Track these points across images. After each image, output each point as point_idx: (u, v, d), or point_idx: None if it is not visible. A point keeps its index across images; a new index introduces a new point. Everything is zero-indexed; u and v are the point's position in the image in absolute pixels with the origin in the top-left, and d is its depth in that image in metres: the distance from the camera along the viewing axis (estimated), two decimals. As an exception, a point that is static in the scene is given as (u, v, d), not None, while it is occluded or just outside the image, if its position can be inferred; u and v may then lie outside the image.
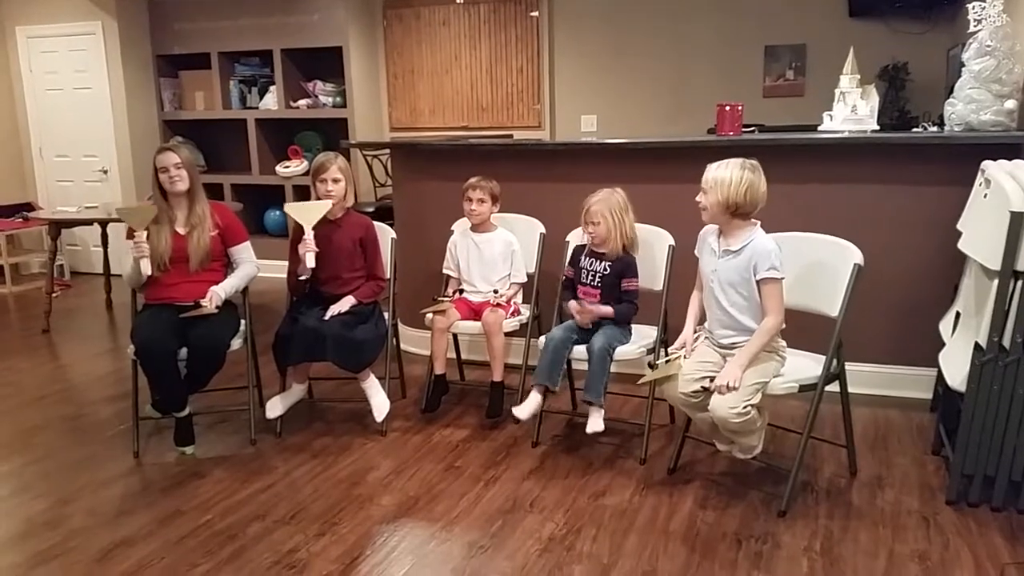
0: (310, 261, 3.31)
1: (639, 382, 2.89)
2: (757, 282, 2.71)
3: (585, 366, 3.14)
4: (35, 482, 3.11)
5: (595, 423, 3.12)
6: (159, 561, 2.51)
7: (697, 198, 2.75)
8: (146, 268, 3.20)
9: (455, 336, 3.88)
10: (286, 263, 3.51)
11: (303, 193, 6.48)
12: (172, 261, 3.27)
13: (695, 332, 2.93)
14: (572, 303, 3.23)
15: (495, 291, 3.59)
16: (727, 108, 3.91)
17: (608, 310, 3.17)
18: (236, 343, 3.32)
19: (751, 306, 2.74)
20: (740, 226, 2.75)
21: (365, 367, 3.39)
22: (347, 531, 2.68)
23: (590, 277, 3.24)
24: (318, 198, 3.43)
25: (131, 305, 3.48)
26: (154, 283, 3.26)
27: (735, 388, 2.60)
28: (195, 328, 3.18)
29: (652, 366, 2.85)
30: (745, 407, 2.58)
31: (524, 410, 3.18)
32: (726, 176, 2.70)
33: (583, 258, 3.28)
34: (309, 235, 3.31)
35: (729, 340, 2.78)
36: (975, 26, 3.39)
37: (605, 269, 3.21)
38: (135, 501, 2.93)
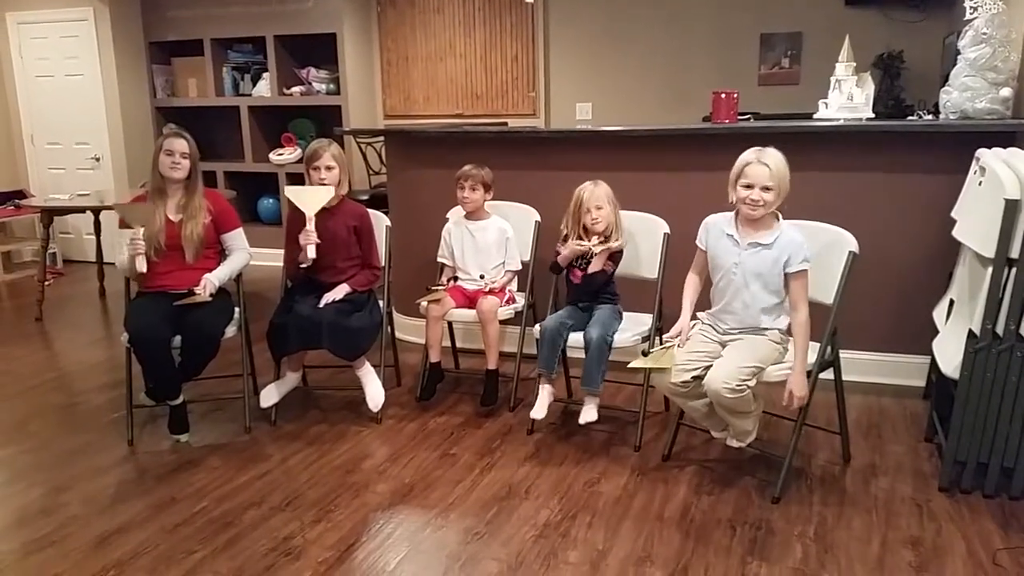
0: (311, 252, 3.29)
1: (629, 365, 2.88)
2: (788, 274, 2.69)
3: (580, 354, 3.14)
4: (29, 470, 3.11)
5: (589, 413, 3.13)
6: (154, 548, 2.52)
7: (754, 196, 2.64)
8: (141, 265, 3.19)
9: (450, 324, 3.88)
10: (279, 251, 3.51)
11: (297, 181, 6.40)
12: (167, 247, 3.25)
13: (691, 321, 2.92)
14: (575, 243, 3.19)
15: (481, 276, 3.58)
16: (722, 96, 3.90)
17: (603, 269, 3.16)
18: (230, 331, 3.30)
19: (774, 303, 2.75)
20: (770, 218, 2.73)
21: (360, 355, 3.39)
22: (343, 518, 2.68)
23: (578, 260, 3.23)
24: (312, 186, 3.41)
25: (124, 293, 3.47)
26: (148, 270, 3.24)
27: (804, 396, 2.64)
28: (189, 316, 3.17)
29: (646, 353, 2.85)
30: (739, 384, 2.58)
31: (540, 410, 3.19)
32: (785, 170, 2.67)
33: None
34: (311, 225, 3.29)
35: (738, 331, 2.79)
36: (971, 14, 3.39)
37: (590, 257, 3.20)
38: (130, 489, 2.93)
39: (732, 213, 2.82)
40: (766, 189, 2.64)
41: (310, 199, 3.32)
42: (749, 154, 2.69)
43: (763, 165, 2.64)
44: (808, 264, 2.70)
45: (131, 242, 3.18)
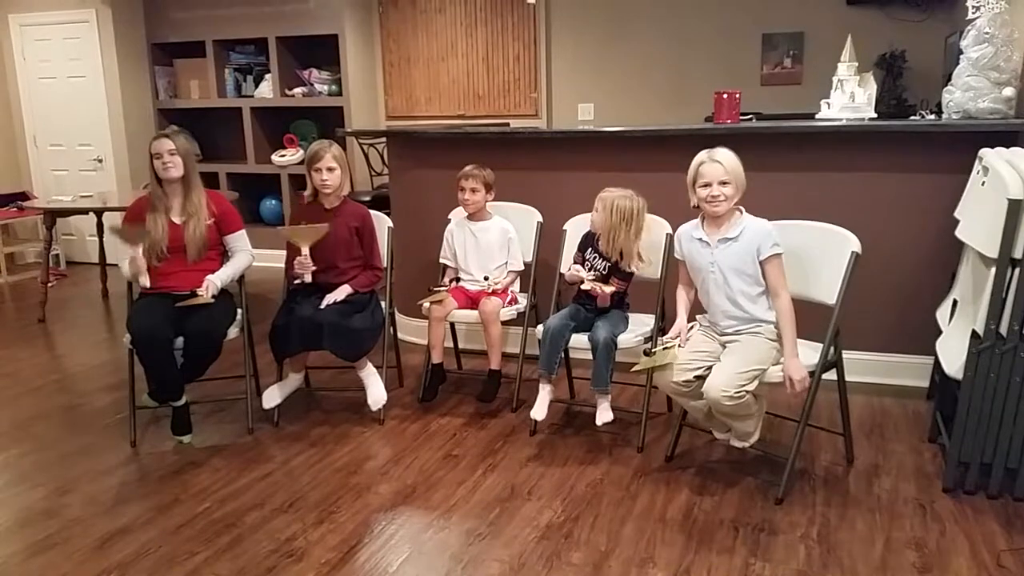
0: (307, 278, 3.33)
1: (633, 369, 2.89)
2: (762, 262, 2.73)
3: (583, 355, 3.14)
4: (33, 471, 3.11)
5: (604, 414, 3.13)
6: (157, 550, 2.52)
7: (714, 192, 2.69)
8: (145, 282, 3.21)
9: (452, 325, 3.88)
10: (282, 252, 3.51)
11: (299, 182, 6.46)
12: (169, 250, 3.26)
13: (688, 322, 2.93)
14: (575, 268, 3.20)
15: (485, 277, 3.58)
16: (724, 96, 3.89)
17: (607, 292, 3.13)
18: (232, 332, 3.31)
19: (757, 292, 2.76)
20: (732, 212, 2.78)
21: (362, 356, 3.39)
22: (345, 519, 2.68)
23: (590, 270, 3.23)
24: (314, 187, 3.42)
25: (127, 294, 3.47)
26: (151, 271, 3.24)
27: (803, 378, 2.64)
28: (191, 317, 3.17)
29: (648, 353, 2.85)
30: (737, 391, 2.58)
31: (540, 410, 3.19)
32: (738, 164, 2.72)
33: (589, 249, 3.27)
34: (306, 252, 3.30)
35: (734, 329, 2.79)
36: (973, 13, 3.38)
37: (604, 269, 3.20)
38: (133, 490, 2.93)
39: (698, 219, 2.86)
40: (723, 184, 2.70)
41: (305, 236, 3.32)
42: (701, 155, 2.76)
43: (715, 162, 2.71)
44: (779, 248, 2.73)
45: (132, 261, 3.19)
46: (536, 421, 3.23)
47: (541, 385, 3.22)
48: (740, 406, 2.62)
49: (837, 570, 2.33)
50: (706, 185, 2.72)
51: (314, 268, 3.31)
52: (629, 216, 3.11)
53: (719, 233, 2.78)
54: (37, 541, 2.59)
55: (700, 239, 2.83)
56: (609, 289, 3.11)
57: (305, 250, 3.30)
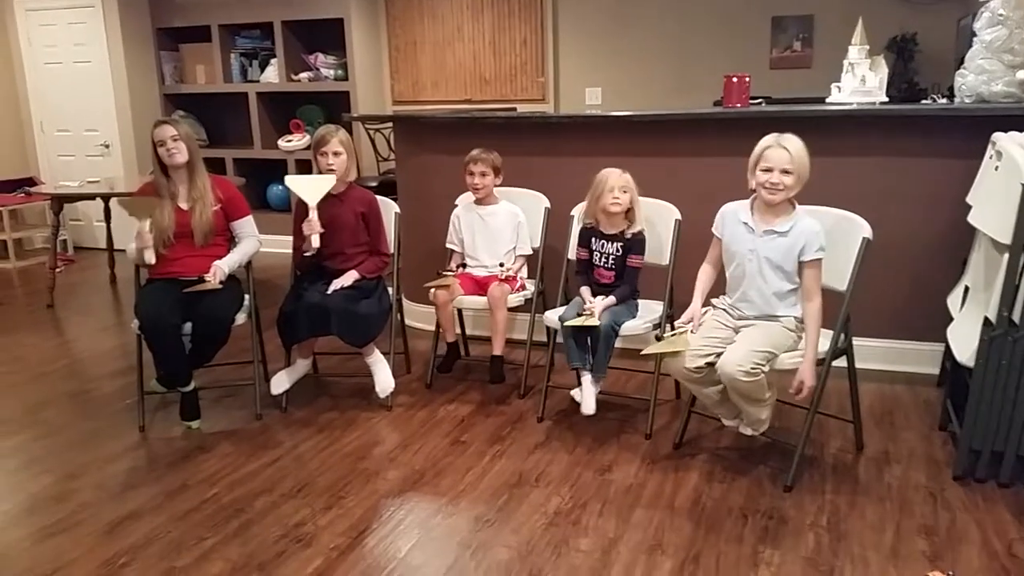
0: (315, 242, 3.28)
1: (643, 352, 2.87)
2: (803, 262, 2.68)
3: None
4: (42, 457, 3.12)
5: (589, 401, 3.07)
6: (166, 535, 2.52)
7: (774, 179, 2.61)
8: (149, 258, 3.20)
9: (460, 312, 3.87)
10: (289, 238, 3.50)
11: (305, 167, 6.44)
12: (176, 236, 3.25)
13: (703, 307, 2.91)
14: (585, 291, 3.22)
15: (501, 264, 3.57)
16: (734, 80, 3.86)
17: (611, 301, 3.14)
18: (240, 318, 3.30)
19: (788, 290, 2.72)
20: (786, 205, 2.71)
21: (369, 342, 3.39)
22: (354, 505, 2.68)
23: (603, 259, 3.22)
24: (319, 172, 3.40)
25: (135, 280, 3.47)
26: (158, 257, 3.24)
27: (813, 384, 2.63)
28: (199, 303, 3.17)
29: (659, 338, 2.83)
30: (753, 367, 2.56)
31: (588, 404, 3.08)
32: (805, 156, 2.63)
33: (594, 240, 3.25)
34: (313, 215, 3.27)
35: (753, 316, 2.77)
36: (988, -5, 3.34)
37: (617, 250, 3.19)
38: (141, 475, 2.94)
39: (748, 200, 2.79)
40: (786, 172, 2.61)
41: (311, 188, 3.29)
42: (768, 139, 2.67)
43: (782, 148, 2.62)
44: (823, 253, 2.68)
45: (138, 235, 3.18)
46: (587, 416, 3.11)
47: (581, 378, 3.12)
48: (755, 386, 2.60)
49: (847, 558, 2.32)
50: (768, 170, 2.63)
51: (321, 231, 3.28)
52: (634, 186, 3.16)
53: (768, 224, 2.71)
54: (46, 526, 2.60)
55: (745, 223, 2.76)
56: (608, 301, 3.13)
57: (313, 215, 3.28)
